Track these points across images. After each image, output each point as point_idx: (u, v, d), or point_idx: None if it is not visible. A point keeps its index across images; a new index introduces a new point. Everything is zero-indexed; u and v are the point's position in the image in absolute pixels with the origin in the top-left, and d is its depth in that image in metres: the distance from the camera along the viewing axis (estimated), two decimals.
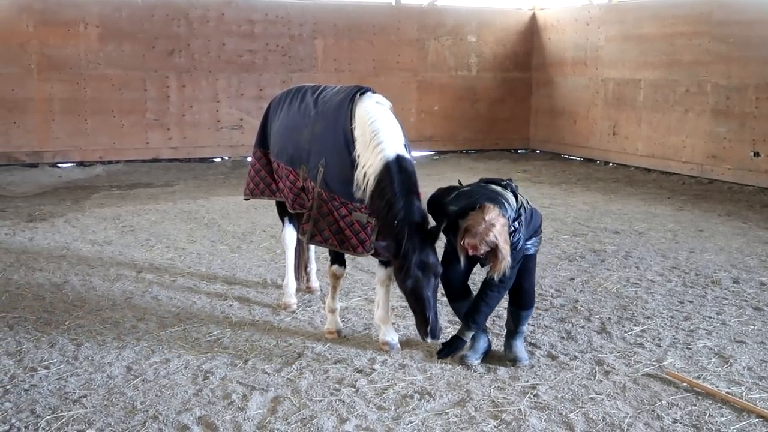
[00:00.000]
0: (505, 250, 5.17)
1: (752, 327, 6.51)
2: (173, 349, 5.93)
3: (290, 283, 6.99)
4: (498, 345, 5.96)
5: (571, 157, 17.43)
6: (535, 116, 18.40)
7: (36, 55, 14.52)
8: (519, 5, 18.44)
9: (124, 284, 7.58)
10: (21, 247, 8.97)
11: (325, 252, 6.98)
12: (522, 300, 5.75)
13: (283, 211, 7.03)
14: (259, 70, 16.05)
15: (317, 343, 6.08)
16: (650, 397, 5.17)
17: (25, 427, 4.70)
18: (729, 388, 5.32)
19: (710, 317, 6.75)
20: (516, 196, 5.47)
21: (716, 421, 4.85)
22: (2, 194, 12.31)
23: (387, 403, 5.07)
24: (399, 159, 5.56)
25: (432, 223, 5.57)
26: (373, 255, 5.90)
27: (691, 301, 7.18)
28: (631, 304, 7.08)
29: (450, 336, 5.86)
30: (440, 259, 5.57)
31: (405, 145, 5.78)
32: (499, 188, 5.51)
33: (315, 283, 7.42)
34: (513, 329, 5.80)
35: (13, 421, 4.78)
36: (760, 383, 5.42)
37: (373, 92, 5.98)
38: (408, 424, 4.79)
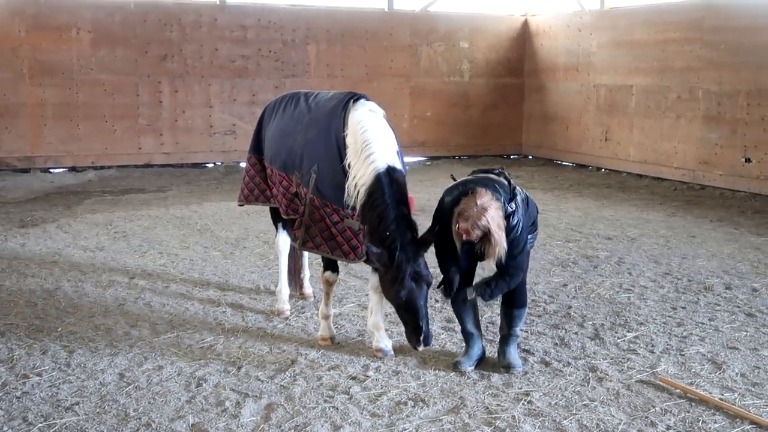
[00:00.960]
0: (498, 235, 5.17)
1: (745, 333, 6.53)
2: (166, 356, 5.92)
3: (283, 289, 6.98)
4: (492, 351, 5.95)
5: (564, 163, 17.46)
6: (528, 122, 18.43)
7: (28, 60, 14.48)
8: (511, 11, 18.49)
9: (117, 290, 7.56)
10: (13, 253, 8.94)
11: (318, 258, 6.97)
12: (513, 298, 5.73)
13: (276, 217, 7.03)
14: (252, 76, 16.04)
15: (311, 349, 6.07)
16: (644, 404, 5.18)
17: None
18: (722, 395, 5.33)
19: (703, 323, 6.77)
20: (509, 182, 5.50)
21: (709, 428, 4.86)
22: None
23: (381, 410, 5.06)
24: (390, 170, 5.58)
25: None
26: (365, 261, 5.89)
27: (683, 307, 7.20)
28: (624, 311, 7.09)
29: (442, 342, 5.85)
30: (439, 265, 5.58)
31: (398, 152, 5.79)
32: (492, 175, 5.53)
33: (308, 289, 7.41)
34: (507, 332, 5.78)
35: (5, 429, 4.76)
36: (753, 389, 5.43)
37: (367, 99, 5.99)
38: (402, 431, 4.79)
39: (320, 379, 5.53)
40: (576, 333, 6.51)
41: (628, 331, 6.55)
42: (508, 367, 5.68)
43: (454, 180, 5.67)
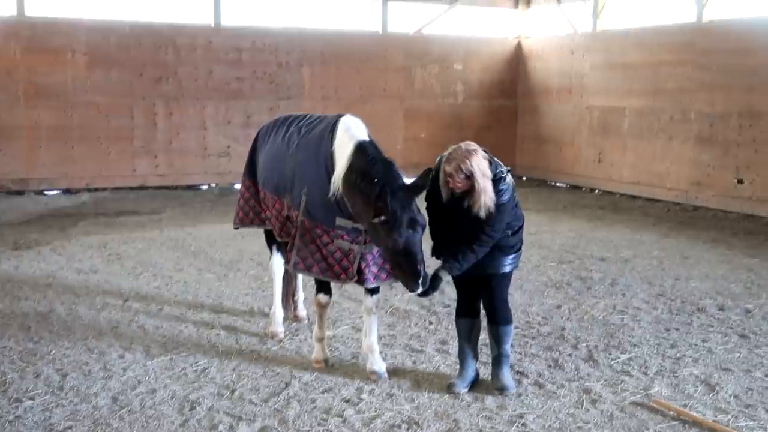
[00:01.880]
0: (482, 181, 5.25)
1: (738, 354, 6.54)
2: (159, 379, 5.91)
3: (277, 311, 6.98)
4: (485, 374, 5.95)
5: (557, 184, 17.52)
6: (521, 143, 18.51)
7: (23, 82, 14.52)
8: (504, 34, 18.61)
9: (111, 313, 7.55)
10: (6, 275, 8.91)
11: (312, 280, 6.97)
12: (496, 315, 5.72)
13: (271, 239, 7.04)
14: (247, 98, 16.10)
15: (304, 372, 6.06)
16: (637, 426, 5.18)
17: None
18: (715, 416, 5.34)
19: (696, 345, 6.78)
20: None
21: None
22: None
23: None
24: (372, 142, 5.67)
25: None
26: (356, 282, 5.90)
27: (677, 329, 7.21)
28: (617, 332, 7.11)
29: (436, 365, 5.85)
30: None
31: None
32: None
33: (302, 311, 7.41)
34: (497, 353, 5.78)
35: None
36: (746, 411, 5.44)
37: (354, 116, 6.04)
38: None
39: (314, 402, 5.52)
40: (570, 355, 6.51)
41: (622, 353, 6.55)
42: (501, 389, 5.68)
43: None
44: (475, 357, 5.88)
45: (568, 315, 7.64)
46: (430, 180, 5.42)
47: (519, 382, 5.87)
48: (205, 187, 16.00)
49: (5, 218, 12.57)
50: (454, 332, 6.23)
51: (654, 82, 14.90)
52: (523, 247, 5.83)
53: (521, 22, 18.59)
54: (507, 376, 5.77)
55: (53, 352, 6.44)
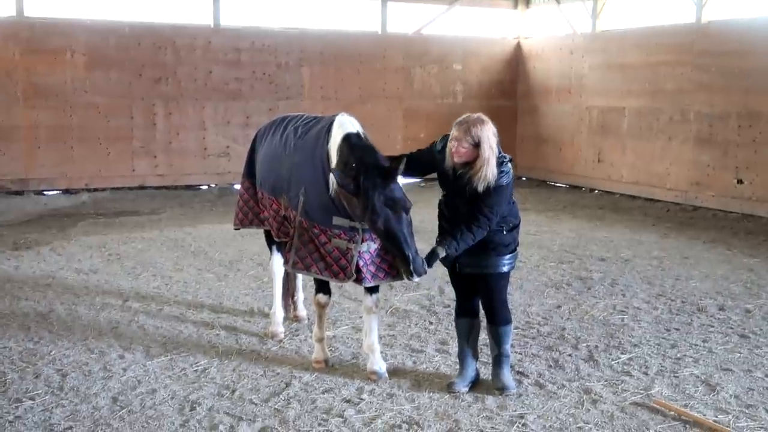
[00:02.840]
0: (487, 152, 5.29)
1: (738, 354, 6.54)
2: (160, 379, 5.90)
3: (277, 311, 6.98)
4: (486, 374, 5.95)
5: (557, 184, 17.52)
6: (521, 143, 18.50)
7: (22, 82, 14.51)
8: (504, 34, 18.61)
9: (110, 313, 7.54)
10: (6, 275, 8.91)
11: (311, 280, 6.97)
12: (496, 315, 5.71)
13: (270, 240, 7.03)
14: (246, 98, 16.10)
15: (305, 372, 6.06)
16: (638, 426, 5.18)
17: None
18: (716, 417, 5.34)
19: (696, 345, 6.78)
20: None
21: None
22: None
23: None
24: (357, 133, 5.69)
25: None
26: (355, 281, 5.89)
27: (677, 329, 7.21)
28: (617, 332, 7.10)
29: (436, 365, 5.84)
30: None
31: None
32: None
33: (302, 311, 7.41)
34: (497, 353, 5.78)
35: None
36: (746, 411, 5.43)
37: (349, 115, 6.05)
38: None
39: (314, 402, 5.51)
40: (570, 355, 6.51)
41: (622, 353, 6.55)
42: (502, 389, 5.68)
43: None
44: (475, 357, 5.87)
45: (569, 315, 7.64)
46: (403, 163, 5.41)
47: (519, 382, 5.87)
48: (204, 187, 16.00)
49: (5, 219, 12.56)
50: (454, 332, 6.23)
51: (653, 83, 14.90)
52: (519, 249, 5.81)
53: (520, 23, 18.59)
54: (507, 376, 5.76)
55: (53, 352, 6.44)
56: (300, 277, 7.35)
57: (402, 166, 5.41)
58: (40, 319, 7.31)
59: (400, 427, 5.13)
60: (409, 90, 17.54)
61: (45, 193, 14.82)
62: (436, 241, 5.57)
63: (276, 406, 5.43)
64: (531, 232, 11.52)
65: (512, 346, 6.18)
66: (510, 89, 18.44)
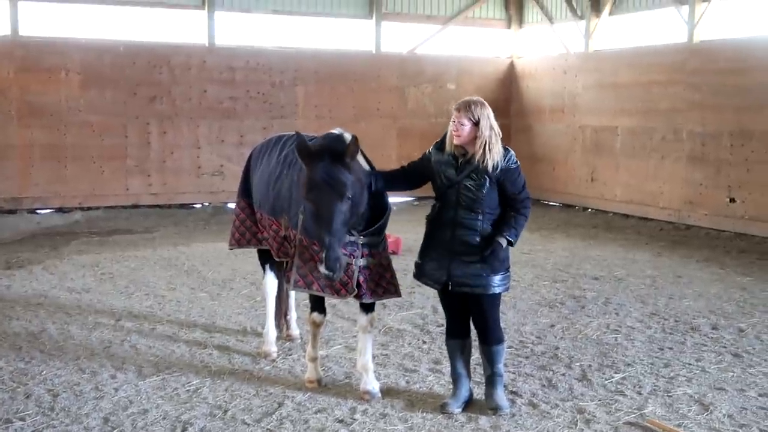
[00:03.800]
0: (487, 131, 5.44)
1: (732, 374, 6.54)
2: (151, 399, 5.87)
3: (270, 331, 6.95)
4: (479, 393, 5.93)
5: (551, 203, 17.55)
6: None
7: (16, 101, 14.51)
8: (497, 54, 18.71)
9: (103, 333, 7.51)
10: None
11: (305, 299, 6.96)
12: (488, 335, 5.69)
13: (264, 259, 7.02)
14: (240, 117, 16.13)
15: (297, 392, 6.04)
16: None
17: None
18: None
19: (690, 364, 6.77)
20: None
21: None
22: None
23: None
24: (342, 134, 5.73)
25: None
26: (355, 297, 5.88)
27: (670, 348, 7.21)
28: (611, 351, 7.09)
29: (429, 385, 5.80)
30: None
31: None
32: None
33: (295, 330, 7.39)
34: (490, 372, 5.76)
35: None
36: (740, 431, 5.42)
37: (343, 129, 6.06)
38: None
39: (307, 422, 5.49)
40: (563, 374, 6.50)
41: (616, 372, 6.54)
42: (495, 409, 5.66)
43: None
44: (468, 376, 5.86)
45: (562, 334, 7.63)
46: (355, 144, 5.42)
47: (513, 402, 5.85)
48: (198, 205, 15.98)
49: None
50: (447, 352, 6.21)
51: (646, 102, 14.98)
52: (512, 269, 5.81)
53: (514, 42, 18.69)
54: (501, 396, 5.75)
55: (44, 372, 6.40)
56: (293, 296, 7.34)
57: (355, 148, 5.41)
58: (32, 339, 7.28)
59: None
60: (404, 109, 17.60)
61: (38, 211, 14.78)
62: (489, 236, 5.57)
63: (268, 427, 5.40)
64: (525, 251, 11.52)
65: (505, 365, 6.16)
66: (504, 108, 18.46)
